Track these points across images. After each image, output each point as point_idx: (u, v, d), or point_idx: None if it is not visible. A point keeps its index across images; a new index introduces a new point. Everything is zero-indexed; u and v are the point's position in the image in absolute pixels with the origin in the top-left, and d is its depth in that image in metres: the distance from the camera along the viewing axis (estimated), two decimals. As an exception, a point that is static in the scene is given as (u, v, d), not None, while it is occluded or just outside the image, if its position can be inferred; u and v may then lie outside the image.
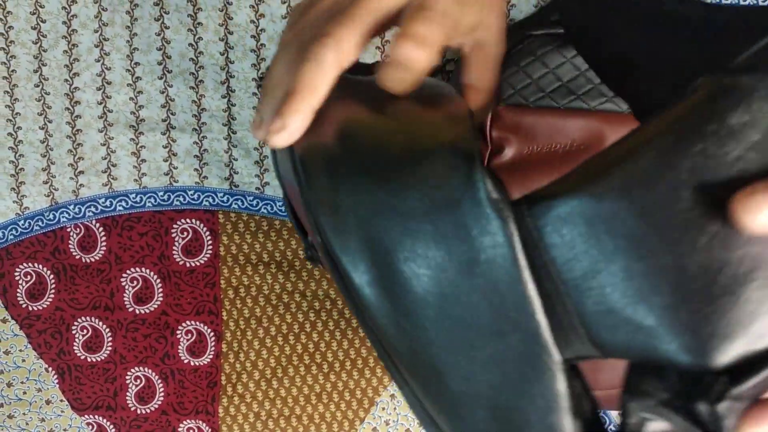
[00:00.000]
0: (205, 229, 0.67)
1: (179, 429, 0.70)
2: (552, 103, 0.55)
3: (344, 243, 0.28)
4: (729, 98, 0.25)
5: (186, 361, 0.69)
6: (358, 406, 0.71)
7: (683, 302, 0.26)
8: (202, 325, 0.69)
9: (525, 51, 0.55)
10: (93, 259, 0.69)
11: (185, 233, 0.67)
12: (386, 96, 0.31)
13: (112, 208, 0.69)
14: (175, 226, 0.67)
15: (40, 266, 0.69)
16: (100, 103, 0.68)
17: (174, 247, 0.68)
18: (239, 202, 0.68)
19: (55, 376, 0.70)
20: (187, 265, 0.68)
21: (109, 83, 0.67)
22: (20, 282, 0.69)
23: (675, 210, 0.26)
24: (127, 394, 0.71)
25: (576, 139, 0.55)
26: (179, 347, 0.69)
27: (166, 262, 0.68)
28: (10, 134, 0.68)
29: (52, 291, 0.69)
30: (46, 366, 0.70)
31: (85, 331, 0.70)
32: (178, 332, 0.69)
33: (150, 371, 0.69)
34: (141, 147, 0.68)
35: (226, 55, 0.67)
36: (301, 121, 0.29)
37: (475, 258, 0.27)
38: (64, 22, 0.66)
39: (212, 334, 0.68)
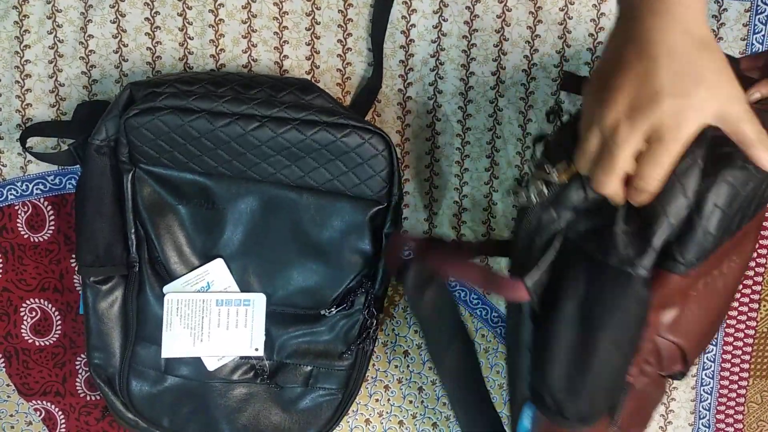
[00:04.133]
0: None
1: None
2: None
3: None
4: None
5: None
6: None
7: None
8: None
9: None
10: (41, 239, 0.67)
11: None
12: None
13: (62, 185, 0.66)
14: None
15: (-13, 246, 0.66)
16: (52, 77, 0.65)
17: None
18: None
19: (2, 360, 0.68)
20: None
21: (61, 56, 0.65)
22: (-34, 262, 0.66)
23: None
24: (77, 380, 0.68)
25: None
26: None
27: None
28: (-44, 107, 0.65)
29: (0, 271, 0.67)
30: (-7, 350, 0.68)
31: (33, 313, 0.68)
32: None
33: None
34: (95, 124, 0.66)
35: (185, 31, 0.65)
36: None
37: None
38: (14, -8, 0.63)
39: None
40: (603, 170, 0.41)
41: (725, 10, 0.65)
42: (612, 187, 0.41)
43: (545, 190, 0.46)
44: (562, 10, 0.65)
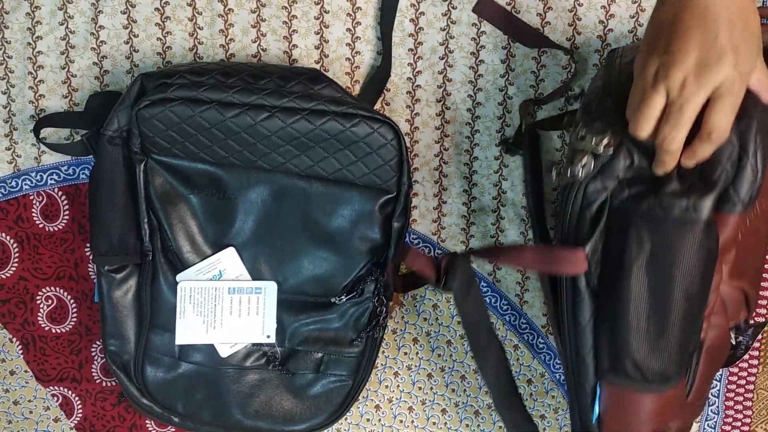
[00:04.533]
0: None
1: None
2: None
3: None
4: None
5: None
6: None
7: None
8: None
9: None
10: (56, 228, 0.68)
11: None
12: None
13: (75, 176, 0.67)
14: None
15: (4, 234, 0.67)
16: (64, 68, 0.66)
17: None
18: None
19: (20, 347, 0.69)
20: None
21: (72, 47, 0.65)
22: (-17, 251, 0.67)
23: None
24: (93, 366, 0.70)
25: None
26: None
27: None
28: (-29, 99, 0.66)
29: (16, 260, 0.68)
30: (11, 336, 0.69)
31: (49, 301, 0.69)
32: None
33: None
34: (107, 114, 0.66)
35: (194, 20, 0.65)
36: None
37: None
38: (26, -17, 0.64)
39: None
40: (673, 125, 0.43)
41: None
42: (679, 142, 0.44)
43: (591, 164, 0.46)
44: (573, -4, 0.65)
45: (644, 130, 0.45)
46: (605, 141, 0.47)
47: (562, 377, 0.72)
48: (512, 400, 0.61)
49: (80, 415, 0.71)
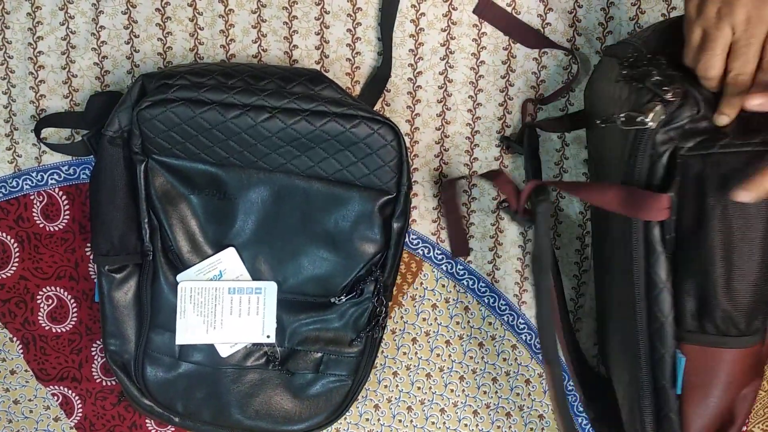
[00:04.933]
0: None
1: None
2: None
3: None
4: None
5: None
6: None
7: None
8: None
9: None
10: (57, 228, 0.68)
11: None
12: None
13: (76, 176, 0.67)
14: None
15: (4, 234, 0.68)
16: (65, 68, 0.66)
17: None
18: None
19: (20, 346, 0.70)
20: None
21: (73, 47, 0.65)
22: (-17, 250, 0.67)
23: None
24: (93, 365, 0.70)
25: None
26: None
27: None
28: (-29, 98, 0.66)
29: (16, 260, 0.68)
30: (11, 336, 0.69)
31: (50, 301, 0.69)
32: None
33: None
34: (107, 114, 0.66)
35: (195, 21, 0.65)
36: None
37: None
38: (26, -17, 0.64)
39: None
40: (744, 61, 0.46)
41: None
42: (748, 77, 0.46)
43: (662, 112, 0.47)
44: (573, -2, 0.65)
45: (714, 67, 0.47)
46: (673, 88, 0.47)
47: (561, 377, 0.72)
48: (564, 326, 0.60)
49: (80, 414, 0.71)
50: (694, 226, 0.48)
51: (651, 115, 0.46)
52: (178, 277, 0.61)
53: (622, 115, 0.48)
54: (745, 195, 0.46)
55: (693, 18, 0.48)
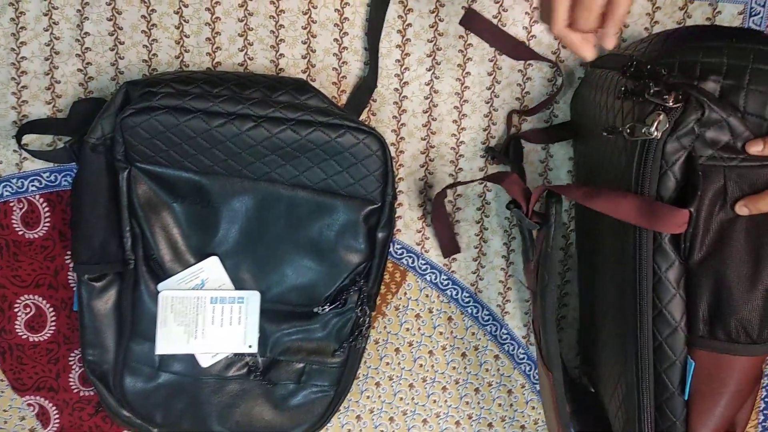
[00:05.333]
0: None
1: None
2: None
3: None
4: None
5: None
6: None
7: None
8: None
9: None
10: (36, 235, 0.67)
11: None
12: None
13: (57, 182, 0.66)
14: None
15: (-18, 241, 0.67)
16: (48, 74, 0.65)
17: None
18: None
19: (-4, 356, 0.68)
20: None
21: (57, 53, 0.65)
22: (-40, 257, 0.66)
23: None
24: (71, 375, 0.69)
25: None
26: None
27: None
28: (-50, 103, 0.65)
29: (-6, 267, 0.67)
30: (-13, 345, 0.68)
31: (27, 309, 0.68)
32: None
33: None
34: (90, 121, 0.66)
35: (181, 29, 0.65)
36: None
37: None
38: (10, -13, 0.63)
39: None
40: (585, 7, 0.46)
41: (719, 12, 0.66)
42: (592, 22, 0.47)
43: (666, 120, 0.46)
44: (557, 11, 0.66)
45: (557, 19, 0.48)
46: (674, 95, 0.47)
47: (544, 388, 0.72)
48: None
49: (57, 425, 0.70)
50: (714, 236, 0.48)
51: (655, 125, 0.46)
52: (159, 286, 0.60)
53: (627, 126, 0.48)
54: (743, 209, 0.47)
55: None
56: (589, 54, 0.49)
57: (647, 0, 0.65)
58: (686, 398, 0.50)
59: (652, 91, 0.47)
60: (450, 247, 0.69)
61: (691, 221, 0.47)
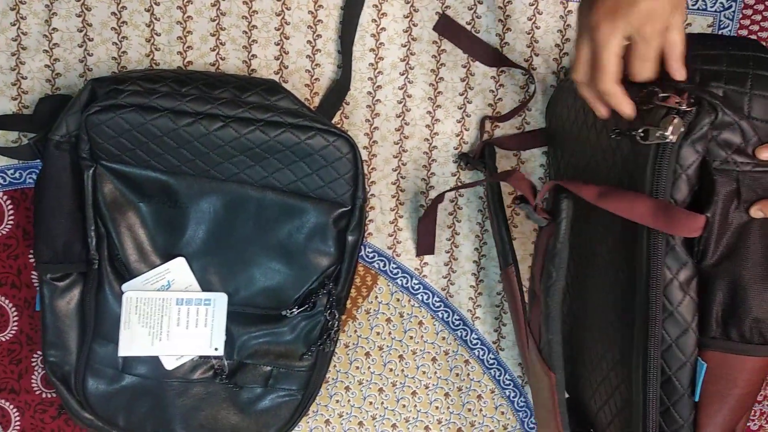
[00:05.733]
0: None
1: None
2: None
3: None
4: None
5: None
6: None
7: None
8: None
9: None
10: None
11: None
12: None
13: (21, 180, 0.65)
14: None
15: (-57, 239, 0.65)
16: (14, 69, 0.64)
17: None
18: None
19: (-44, 356, 0.67)
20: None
21: (24, 49, 0.64)
22: None
23: None
24: (33, 377, 0.67)
25: None
26: None
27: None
28: None
29: (-45, 265, 0.65)
30: (-53, 345, 0.67)
31: (-11, 309, 0.66)
32: None
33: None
34: (57, 118, 0.65)
35: (152, 26, 0.64)
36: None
37: None
38: (-24, -20, 0.62)
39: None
40: (598, 70, 0.47)
41: (689, 24, 0.67)
42: (604, 85, 0.48)
43: (681, 124, 0.46)
44: (530, 19, 0.66)
45: (577, 74, 0.49)
46: (686, 98, 0.47)
47: (512, 394, 0.72)
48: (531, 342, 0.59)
49: (18, 427, 0.68)
50: (729, 239, 0.48)
51: (670, 128, 0.46)
52: (124, 287, 0.59)
53: (640, 130, 0.48)
54: (758, 213, 0.47)
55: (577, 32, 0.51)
56: (631, 111, 0.49)
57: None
58: (696, 399, 0.50)
59: (661, 95, 0.47)
60: (426, 247, 0.69)
61: (707, 226, 0.47)
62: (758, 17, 0.66)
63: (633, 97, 0.50)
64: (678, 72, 0.48)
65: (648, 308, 0.49)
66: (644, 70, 0.48)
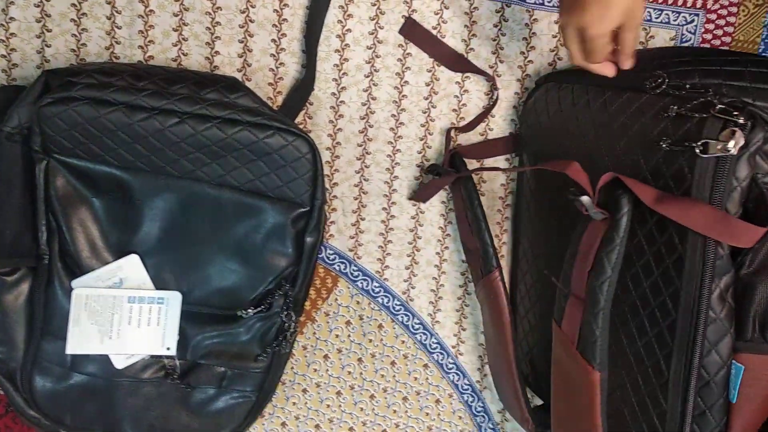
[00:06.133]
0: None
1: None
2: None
3: None
4: None
5: None
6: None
7: None
8: None
9: None
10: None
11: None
12: None
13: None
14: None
15: None
16: (-32, 57, 0.63)
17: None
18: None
19: None
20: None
21: (-20, 36, 0.62)
22: None
23: None
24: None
25: None
26: None
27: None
28: None
29: None
30: None
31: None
32: None
33: None
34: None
35: (113, 19, 0.63)
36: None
37: None
38: (-69, -35, 0.60)
39: None
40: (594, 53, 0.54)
41: (652, 37, 0.68)
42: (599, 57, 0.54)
43: (742, 136, 0.47)
44: (496, 26, 0.66)
45: (576, 57, 0.55)
46: (743, 112, 0.47)
47: (470, 399, 0.72)
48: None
49: (-36, 425, 0.67)
50: None
51: (732, 142, 0.47)
52: (73, 283, 0.58)
53: (699, 143, 0.48)
54: None
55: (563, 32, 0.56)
56: (611, 72, 0.56)
57: (583, 20, 0.66)
58: (734, 401, 0.51)
59: (719, 106, 0.48)
60: (424, 197, 0.68)
61: (764, 237, 0.48)
62: (720, 32, 0.67)
63: (682, 106, 0.51)
64: (625, 64, 0.56)
65: (696, 317, 0.50)
66: (594, 59, 0.54)
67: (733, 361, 0.51)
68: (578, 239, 0.54)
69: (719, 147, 0.48)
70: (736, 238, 0.48)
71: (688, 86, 0.52)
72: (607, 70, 0.56)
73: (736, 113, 0.48)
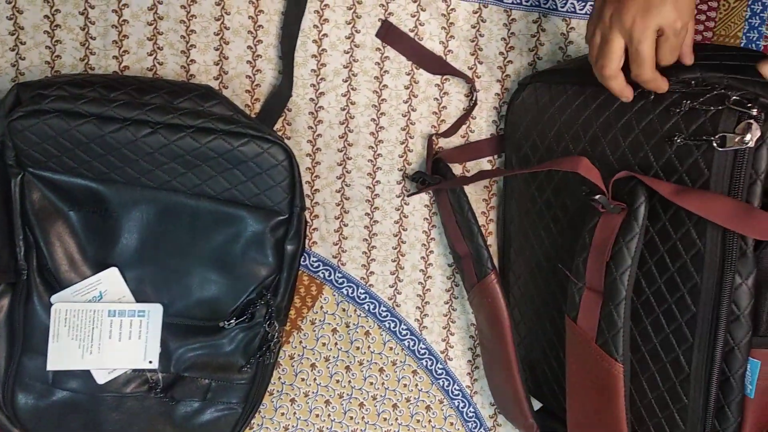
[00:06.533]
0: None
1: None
2: None
3: None
4: None
5: None
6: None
7: None
8: None
9: None
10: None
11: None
12: None
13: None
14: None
15: None
16: (-58, 74, 0.62)
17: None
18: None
19: None
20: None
21: (-47, 52, 0.62)
22: None
23: None
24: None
25: None
26: None
27: None
28: None
29: None
30: None
31: None
32: None
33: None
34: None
35: (86, 30, 0.63)
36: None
37: None
38: None
39: None
40: (639, 64, 0.49)
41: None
42: (646, 74, 0.50)
43: (758, 129, 0.46)
44: (474, 27, 0.66)
45: (610, 67, 0.50)
46: (757, 105, 0.47)
47: (461, 404, 0.71)
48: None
49: (-52, 444, 0.66)
50: None
51: (749, 135, 0.47)
52: (53, 299, 0.57)
53: (717, 136, 0.48)
54: None
55: (594, 21, 0.51)
56: (630, 96, 0.52)
57: (562, 20, 0.66)
58: (752, 396, 0.50)
59: (734, 98, 0.48)
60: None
61: None
62: (700, 27, 0.67)
63: (695, 101, 0.50)
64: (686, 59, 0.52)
65: (718, 312, 0.50)
66: (673, 58, 0.50)
67: (749, 357, 0.50)
68: (590, 233, 0.54)
69: (737, 140, 0.47)
70: (759, 231, 0.47)
71: (693, 82, 0.51)
72: (628, 92, 0.53)
73: (749, 105, 0.47)
